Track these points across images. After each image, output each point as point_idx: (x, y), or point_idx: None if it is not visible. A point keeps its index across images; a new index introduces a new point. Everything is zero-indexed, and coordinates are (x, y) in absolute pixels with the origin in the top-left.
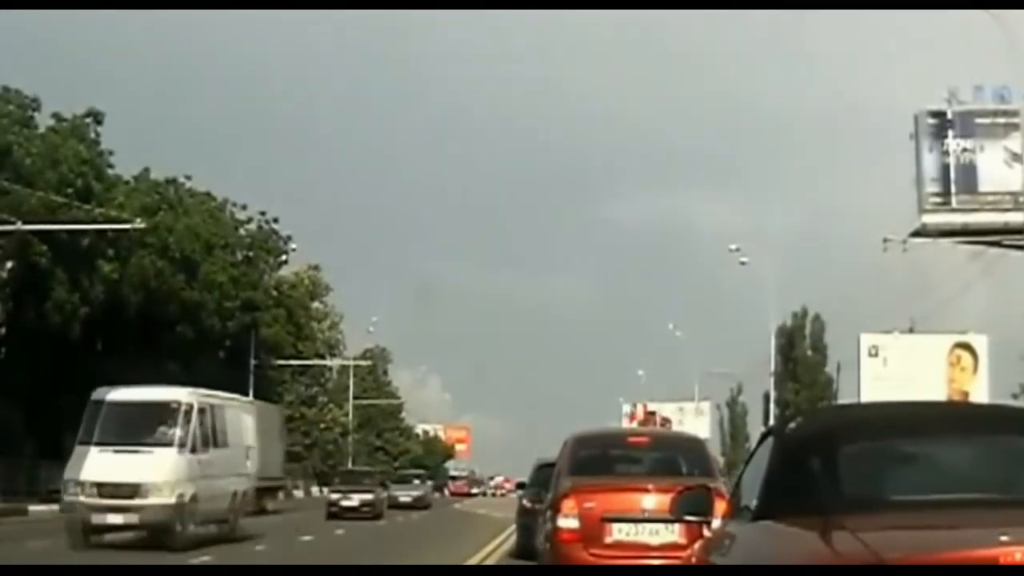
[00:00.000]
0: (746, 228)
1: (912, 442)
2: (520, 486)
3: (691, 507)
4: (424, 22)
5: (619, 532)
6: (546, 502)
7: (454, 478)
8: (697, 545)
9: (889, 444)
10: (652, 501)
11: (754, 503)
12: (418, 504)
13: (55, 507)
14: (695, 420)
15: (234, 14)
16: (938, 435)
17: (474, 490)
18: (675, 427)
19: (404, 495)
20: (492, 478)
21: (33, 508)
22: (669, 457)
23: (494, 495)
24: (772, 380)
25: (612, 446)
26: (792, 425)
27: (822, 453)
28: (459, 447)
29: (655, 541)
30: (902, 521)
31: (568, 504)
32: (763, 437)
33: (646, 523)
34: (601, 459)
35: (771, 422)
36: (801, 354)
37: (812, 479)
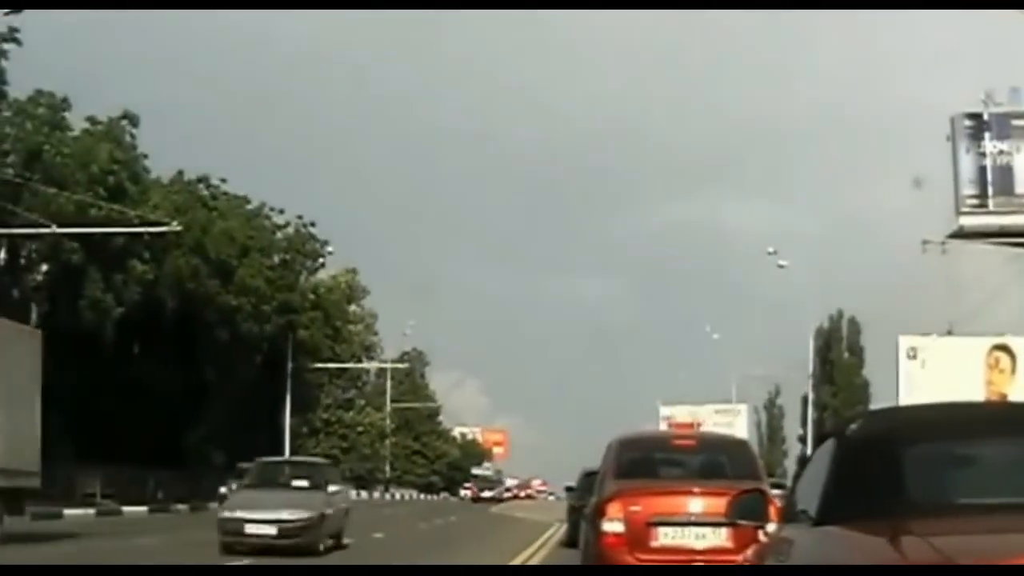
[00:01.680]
0: (780, 231)
1: (973, 444)
2: (569, 489)
3: (747, 511)
4: (466, 26)
5: (665, 536)
6: (590, 506)
7: (476, 477)
8: (751, 551)
9: (951, 446)
10: (699, 504)
11: (814, 507)
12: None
13: (91, 511)
14: (732, 422)
15: (270, 17)
16: (1000, 437)
17: (485, 493)
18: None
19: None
20: (528, 480)
21: (68, 512)
22: (715, 460)
23: (516, 497)
24: (810, 383)
25: (657, 449)
26: (853, 427)
27: (885, 456)
28: (496, 450)
29: (702, 545)
30: (971, 525)
31: (613, 507)
32: (820, 440)
33: (693, 527)
34: (646, 462)
35: (809, 425)
36: (838, 357)
37: (876, 483)
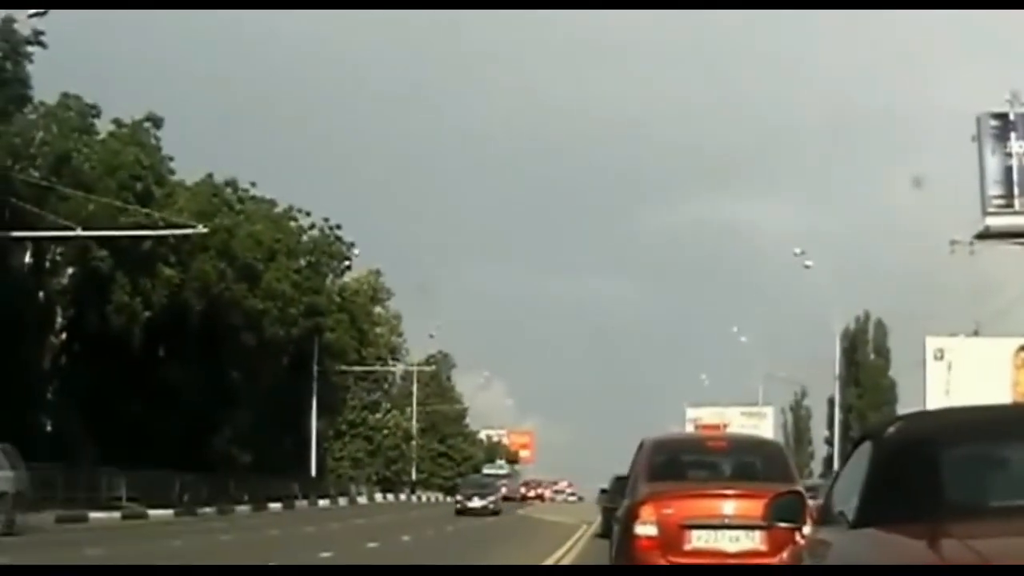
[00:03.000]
0: (806, 231)
1: (1010, 446)
2: (603, 491)
3: (784, 513)
4: (482, 26)
5: (698, 539)
6: (621, 508)
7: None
8: (787, 553)
9: (987, 448)
10: (732, 507)
11: (851, 510)
12: None
13: (116, 514)
14: (759, 424)
15: (295, 18)
16: None
17: (474, 501)
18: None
19: None
20: (555, 482)
21: (93, 515)
22: (748, 462)
23: (524, 498)
24: (838, 385)
25: (690, 451)
26: (890, 430)
27: (922, 459)
28: (523, 452)
29: (735, 548)
30: (1008, 527)
31: (646, 510)
32: (857, 443)
33: (726, 530)
34: (679, 464)
35: (836, 427)
36: (864, 358)
37: (913, 485)
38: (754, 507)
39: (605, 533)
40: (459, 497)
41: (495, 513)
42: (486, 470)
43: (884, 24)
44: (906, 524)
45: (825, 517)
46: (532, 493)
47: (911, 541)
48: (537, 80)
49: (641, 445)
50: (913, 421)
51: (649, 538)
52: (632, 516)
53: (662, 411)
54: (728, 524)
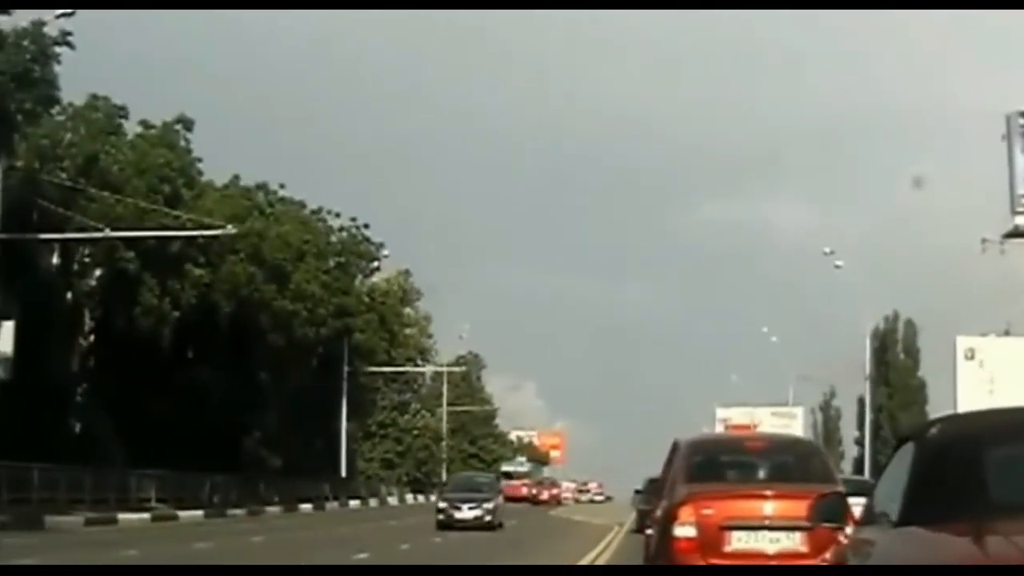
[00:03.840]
0: (833, 232)
1: None
2: (637, 492)
3: (828, 514)
4: (509, 27)
5: (738, 540)
6: (660, 510)
7: (507, 475)
8: (830, 553)
9: None
10: (772, 508)
11: (895, 509)
12: None
13: (146, 516)
14: (789, 424)
15: (325, 17)
16: None
17: (465, 511)
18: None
19: None
20: (585, 483)
21: (123, 516)
22: (787, 462)
23: (535, 500)
24: (868, 385)
25: (728, 451)
26: (933, 431)
27: (966, 458)
28: (553, 453)
29: (776, 549)
30: None
31: (685, 512)
32: (899, 443)
33: (766, 531)
34: (717, 465)
35: (867, 427)
36: (893, 358)
37: (957, 484)
38: (794, 507)
39: (641, 525)
40: (442, 505)
41: (490, 527)
42: (504, 467)
43: (911, 24)
44: (950, 523)
45: (868, 517)
46: (545, 495)
47: (956, 539)
48: (565, 83)
49: (675, 446)
50: (955, 422)
51: (688, 540)
52: (671, 518)
53: (692, 412)
54: (768, 525)
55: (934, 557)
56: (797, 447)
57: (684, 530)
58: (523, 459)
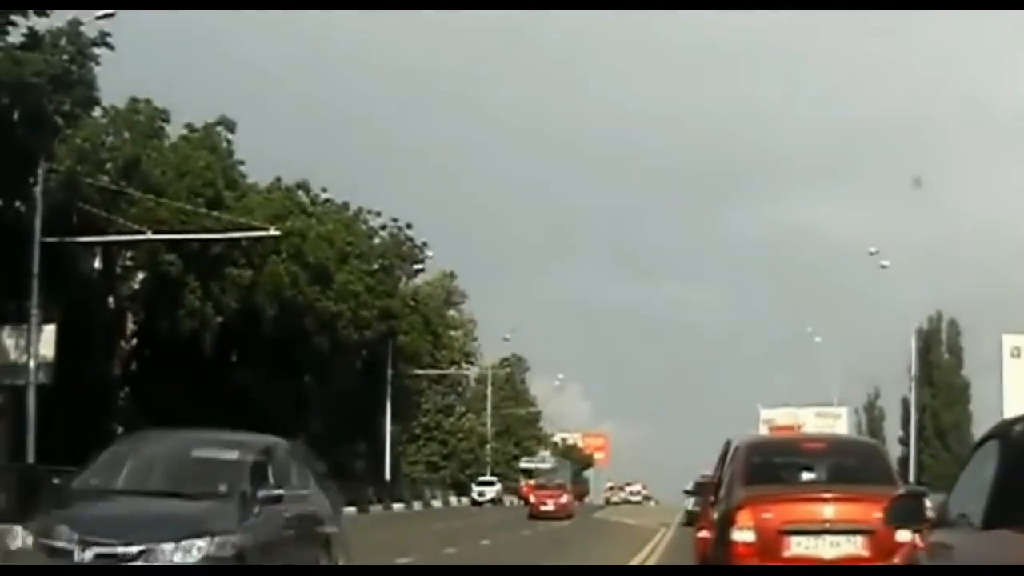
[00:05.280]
0: (877, 231)
1: None
2: (687, 492)
3: (905, 515)
4: (560, 28)
5: (798, 545)
6: (717, 513)
7: (527, 472)
8: (899, 557)
9: None
10: (833, 511)
11: (977, 512)
12: None
13: None
14: (833, 425)
15: (364, 18)
16: None
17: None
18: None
19: None
20: (628, 484)
21: None
22: (847, 464)
23: (536, 510)
24: (914, 385)
25: (786, 453)
26: (1018, 428)
27: None
28: (597, 455)
29: (835, 554)
30: None
31: (744, 516)
32: (980, 443)
33: (827, 535)
34: (776, 467)
35: (912, 427)
36: (937, 358)
37: None
38: (856, 511)
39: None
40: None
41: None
42: (523, 463)
43: (963, 24)
44: None
45: (943, 520)
46: (550, 504)
47: None
48: (611, 84)
49: (730, 447)
50: None
51: (747, 544)
52: (729, 522)
53: (735, 413)
54: (829, 529)
55: None
56: (858, 448)
57: (743, 535)
58: (546, 454)
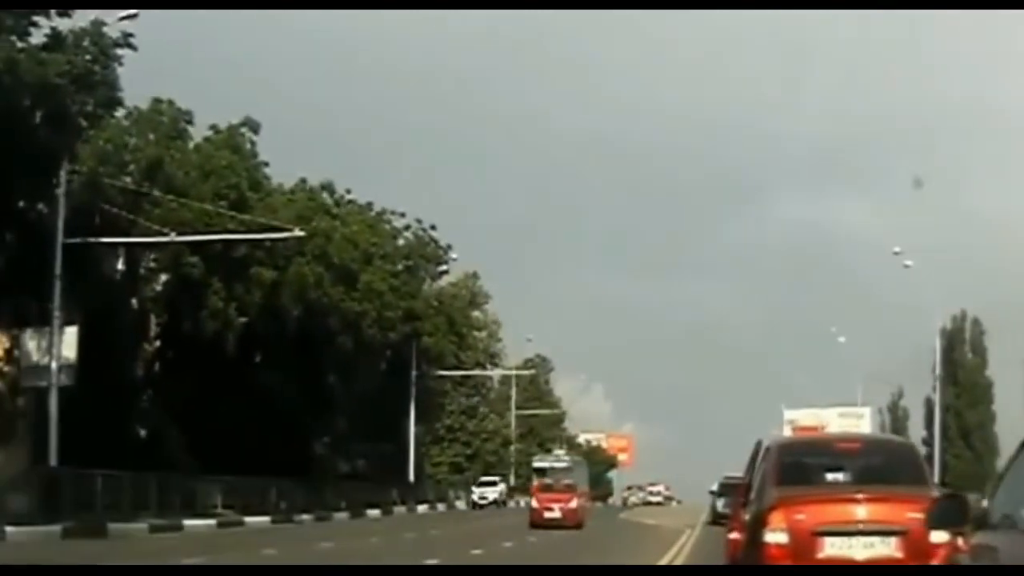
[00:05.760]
0: (901, 231)
1: None
2: (712, 492)
3: (947, 517)
4: (580, 27)
5: (832, 547)
6: (749, 514)
7: (540, 471)
8: (941, 557)
9: None
10: (867, 512)
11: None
12: None
13: (212, 522)
14: (857, 425)
15: (389, 18)
16: None
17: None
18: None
19: None
20: (652, 484)
21: (188, 523)
22: (880, 464)
23: (537, 517)
24: (938, 385)
25: (819, 453)
26: None
27: None
28: (621, 456)
29: (868, 555)
30: None
31: (776, 517)
32: None
33: (861, 536)
34: (808, 467)
35: (936, 426)
36: (961, 357)
37: None
38: (889, 511)
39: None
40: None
41: None
42: (536, 463)
43: (986, 22)
44: None
45: (986, 521)
46: (555, 509)
47: None
48: (635, 84)
49: (762, 448)
50: None
51: (780, 546)
52: (762, 523)
53: (759, 413)
54: (863, 530)
55: None
56: (891, 448)
57: (775, 536)
58: (561, 451)
